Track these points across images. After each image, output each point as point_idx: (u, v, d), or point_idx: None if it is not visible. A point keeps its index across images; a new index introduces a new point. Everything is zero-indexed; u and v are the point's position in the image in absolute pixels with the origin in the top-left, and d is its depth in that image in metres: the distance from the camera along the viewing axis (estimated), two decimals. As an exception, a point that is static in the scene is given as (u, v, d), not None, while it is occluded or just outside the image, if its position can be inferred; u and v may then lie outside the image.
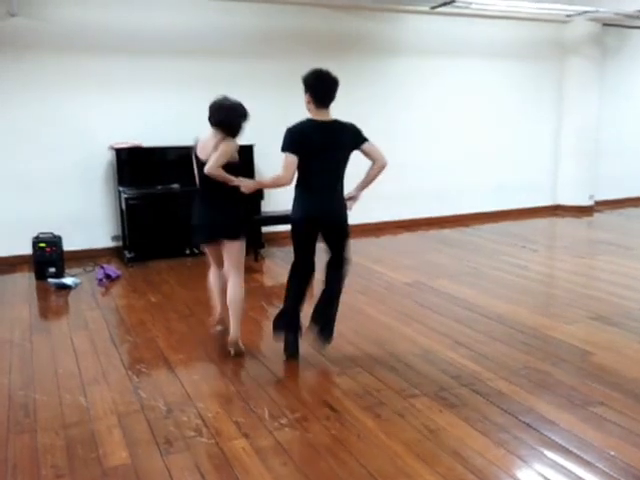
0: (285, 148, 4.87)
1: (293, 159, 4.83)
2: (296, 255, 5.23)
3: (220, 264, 5.54)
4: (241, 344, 5.38)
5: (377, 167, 5.09)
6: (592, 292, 7.16)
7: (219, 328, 5.85)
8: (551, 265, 8.91)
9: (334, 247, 5.21)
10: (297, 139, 4.89)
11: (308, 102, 4.93)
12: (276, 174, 4.94)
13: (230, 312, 5.36)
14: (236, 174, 5.16)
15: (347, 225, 5.19)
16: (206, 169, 5.03)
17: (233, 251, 5.31)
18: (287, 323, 5.28)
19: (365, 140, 5.03)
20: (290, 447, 3.84)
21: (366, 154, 5.06)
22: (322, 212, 5.05)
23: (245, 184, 5.12)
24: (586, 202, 12.55)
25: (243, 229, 5.35)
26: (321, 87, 4.91)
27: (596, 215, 12.37)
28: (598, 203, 12.70)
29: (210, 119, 5.30)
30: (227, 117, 5.25)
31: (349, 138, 5.01)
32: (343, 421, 4.17)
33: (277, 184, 5.07)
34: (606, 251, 9.22)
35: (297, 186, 5.03)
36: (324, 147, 4.90)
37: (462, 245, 9.68)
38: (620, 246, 9.49)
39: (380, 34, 10.43)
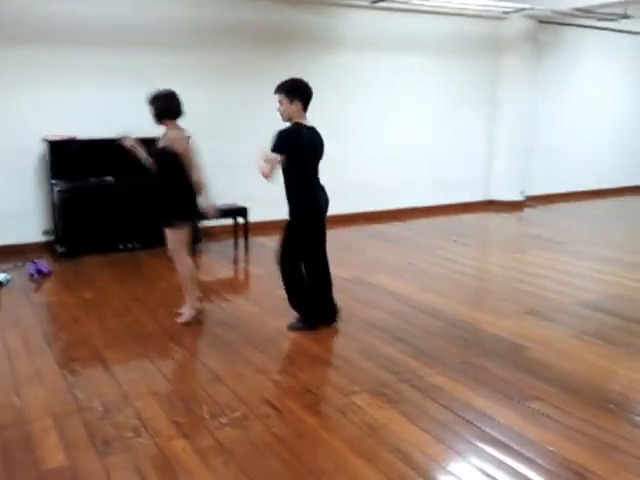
0: (279, 149, 5.37)
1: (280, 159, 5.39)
2: (307, 247, 5.81)
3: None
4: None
5: None
6: (525, 287, 7.26)
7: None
8: (484, 260, 9.03)
9: (325, 236, 5.98)
10: (302, 141, 5.47)
11: (298, 109, 5.51)
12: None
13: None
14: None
15: None
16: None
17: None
18: (326, 311, 5.89)
19: None
20: (231, 447, 3.80)
21: None
22: (327, 205, 5.90)
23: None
24: (517, 197, 12.76)
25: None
26: (310, 96, 5.58)
27: (527, 210, 12.57)
28: (529, 198, 12.90)
29: (174, 112, 5.80)
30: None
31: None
32: (284, 419, 4.15)
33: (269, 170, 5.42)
34: (537, 246, 9.37)
35: (301, 183, 5.64)
36: (317, 147, 5.69)
37: (398, 240, 9.74)
38: (551, 241, 9.66)
39: (319, 28, 10.41)
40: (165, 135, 5.76)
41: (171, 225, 5.76)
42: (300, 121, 5.53)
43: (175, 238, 5.80)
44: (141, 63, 9.02)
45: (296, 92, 5.48)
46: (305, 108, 5.56)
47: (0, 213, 8.41)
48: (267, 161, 5.33)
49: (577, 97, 13.59)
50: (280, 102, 5.48)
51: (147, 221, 8.39)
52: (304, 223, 5.71)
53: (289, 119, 5.52)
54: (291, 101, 5.44)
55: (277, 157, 5.34)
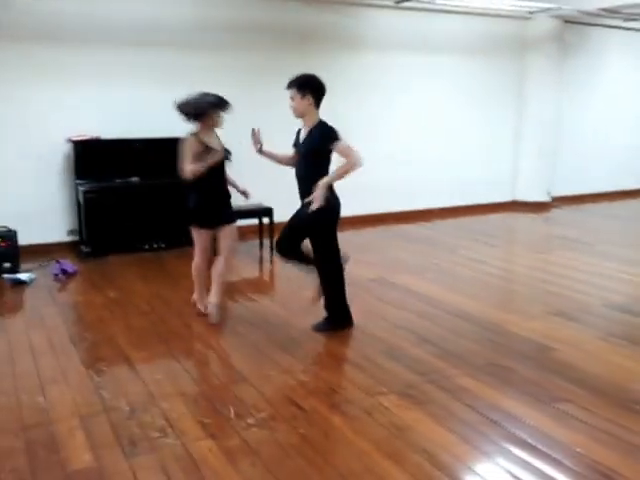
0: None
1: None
2: (336, 245, 5.79)
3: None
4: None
5: None
6: (552, 288, 7.20)
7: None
8: (511, 260, 8.97)
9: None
10: None
11: (310, 104, 5.38)
12: (348, 160, 5.33)
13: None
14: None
15: None
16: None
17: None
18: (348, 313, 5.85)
19: None
20: (258, 447, 3.78)
21: None
22: None
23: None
24: (544, 198, 12.65)
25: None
26: (323, 91, 5.45)
27: (553, 211, 12.47)
28: (555, 199, 12.80)
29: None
30: None
31: None
32: (310, 420, 4.13)
33: (353, 169, 5.38)
34: (564, 247, 9.29)
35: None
36: None
37: (424, 240, 9.69)
38: (577, 242, 9.57)
39: (343, 28, 10.37)
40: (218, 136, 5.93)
41: (233, 221, 5.99)
42: (320, 117, 5.49)
43: (236, 233, 6.04)
44: (165, 63, 9.04)
45: (307, 86, 5.36)
46: (318, 104, 5.44)
47: (25, 213, 8.43)
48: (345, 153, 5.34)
49: (603, 97, 13.46)
50: (292, 98, 5.39)
51: (173, 221, 8.48)
52: (332, 218, 5.65)
53: (302, 115, 5.44)
54: (303, 96, 5.34)
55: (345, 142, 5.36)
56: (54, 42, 8.38)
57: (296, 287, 6.87)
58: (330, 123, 5.42)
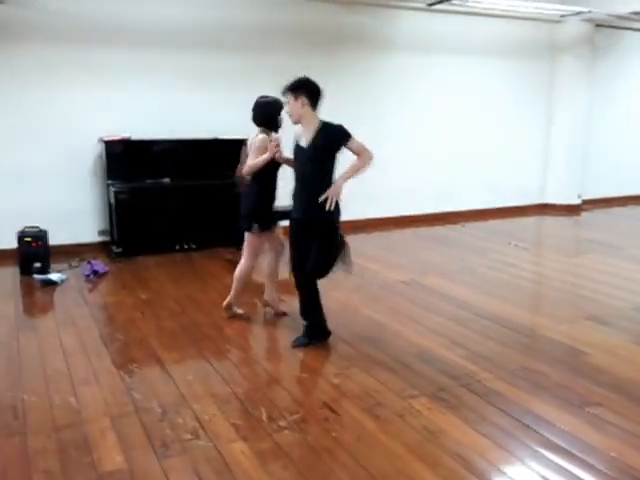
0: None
1: None
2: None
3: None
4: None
5: None
6: (583, 292, 7.14)
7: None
8: (541, 264, 8.90)
9: None
10: None
11: (303, 105, 5.23)
12: (362, 156, 5.26)
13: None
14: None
15: None
16: None
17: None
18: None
19: None
20: (290, 450, 3.77)
21: None
22: None
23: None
24: (574, 201, 12.55)
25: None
26: (317, 92, 5.30)
27: (584, 214, 12.38)
28: (586, 202, 12.70)
29: None
30: None
31: None
32: (343, 423, 4.11)
33: (368, 164, 5.31)
34: (595, 250, 9.22)
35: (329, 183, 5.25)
36: None
37: (454, 243, 9.66)
38: (609, 245, 9.49)
39: (375, 30, 10.35)
40: None
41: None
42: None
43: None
44: (195, 64, 9.05)
45: (300, 88, 5.24)
46: (314, 105, 5.27)
47: (56, 213, 8.48)
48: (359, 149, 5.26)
49: (633, 100, 13.32)
50: (287, 103, 5.33)
51: (204, 222, 8.59)
52: (336, 225, 5.43)
53: (298, 119, 5.30)
54: (296, 98, 5.22)
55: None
56: (86, 43, 8.42)
57: (325, 288, 6.83)
58: (336, 122, 5.30)
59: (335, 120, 5.28)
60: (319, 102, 5.30)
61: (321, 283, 5.43)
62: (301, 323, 5.61)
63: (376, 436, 3.95)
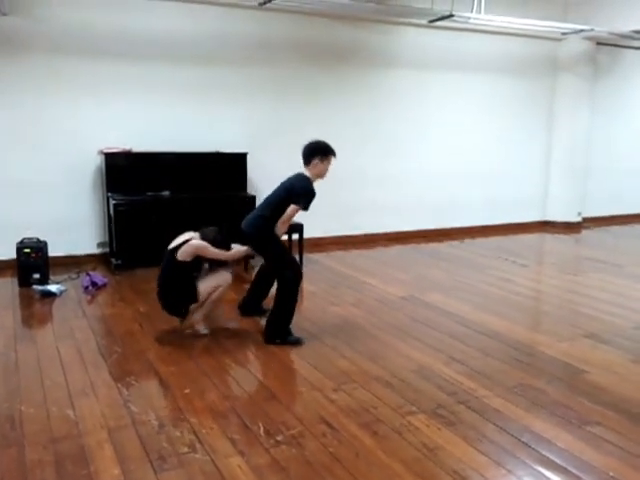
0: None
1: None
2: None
3: None
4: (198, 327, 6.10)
5: None
6: (583, 309, 7.13)
7: None
8: (541, 281, 8.88)
9: None
10: None
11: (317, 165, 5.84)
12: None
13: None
14: None
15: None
16: None
17: None
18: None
19: None
20: (287, 465, 3.74)
21: None
22: None
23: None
24: (575, 219, 12.58)
25: None
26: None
27: (584, 232, 12.39)
28: (586, 220, 12.72)
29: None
30: None
31: None
32: (340, 438, 4.09)
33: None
34: (595, 268, 9.22)
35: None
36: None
37: (453, 259, 9.65)
38: (609, 263, 9.50)
39: (377, 46, 10.40)
40: None
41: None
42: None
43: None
44: (196, 78, 9.10)
45: (326, 151, 5.86)
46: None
47: (56, 224, 8.50)
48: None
49: (634, 118, 13.39)
50: (317, 165, 5.85)
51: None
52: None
53: None
54: (317, 157, 5.83)
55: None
56: (87, 56, 8.45)
57: (324, 303, 6.84)
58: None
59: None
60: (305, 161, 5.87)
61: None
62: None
63: (374, 452, 3.92)
